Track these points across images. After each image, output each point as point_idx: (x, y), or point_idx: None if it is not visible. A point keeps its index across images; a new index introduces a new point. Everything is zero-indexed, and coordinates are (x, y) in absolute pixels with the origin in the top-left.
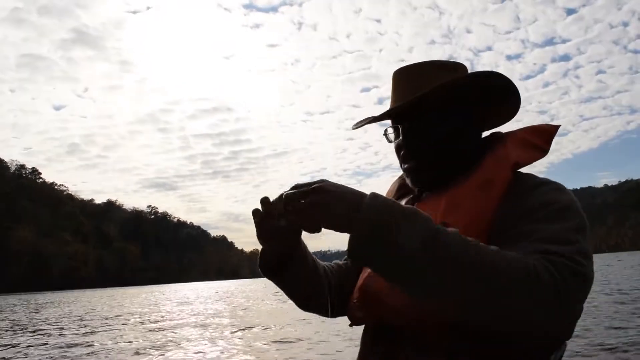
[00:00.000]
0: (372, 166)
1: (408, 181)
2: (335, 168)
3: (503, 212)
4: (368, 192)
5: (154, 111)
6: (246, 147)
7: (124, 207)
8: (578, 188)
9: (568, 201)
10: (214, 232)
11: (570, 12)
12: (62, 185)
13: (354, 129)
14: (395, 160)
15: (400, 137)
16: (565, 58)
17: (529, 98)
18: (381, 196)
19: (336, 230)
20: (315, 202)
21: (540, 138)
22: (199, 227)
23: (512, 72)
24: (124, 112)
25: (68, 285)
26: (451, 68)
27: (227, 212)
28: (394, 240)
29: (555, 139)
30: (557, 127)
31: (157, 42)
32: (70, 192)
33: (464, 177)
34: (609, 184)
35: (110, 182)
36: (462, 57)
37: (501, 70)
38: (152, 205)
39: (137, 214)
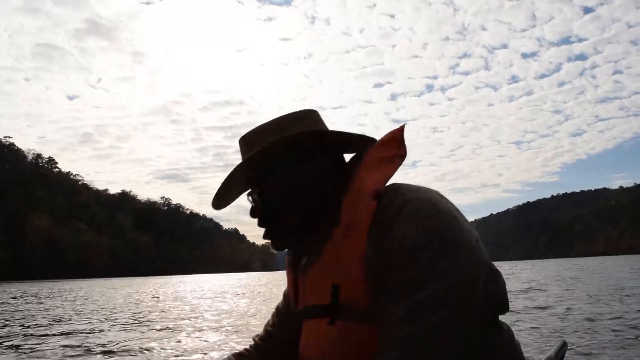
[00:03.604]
0: None
1: (271, 241)
2: None
3: (372, 257)
4: None
5: (166, 103)
6: None
7: (138, 197)
8: (592, 189)
9: (427, 230)
10: (226, 225)
11: (587, 10)
12: (78, 175)
13: (217, 209)
14: (407, 156)
15: (260, 191)
16: (582, 57)
17: (544, 97)
18: None
19: None
20: None
21: (392, 147)
22: (211, 220)
23: (527, 70)
24: (136, 103)
25: (82, 273)
26: (301, 118)
27: (238, 204)
28: None
29: (570, 139)
30: (402, 128)
31: (170, 33)
32: (85, 182)
33: (330, 226)
34: (624, 186)
35: (122, 173)
36: (476, 54)
37: (515, 69)
38: (166, 197)
39: (150, 205)
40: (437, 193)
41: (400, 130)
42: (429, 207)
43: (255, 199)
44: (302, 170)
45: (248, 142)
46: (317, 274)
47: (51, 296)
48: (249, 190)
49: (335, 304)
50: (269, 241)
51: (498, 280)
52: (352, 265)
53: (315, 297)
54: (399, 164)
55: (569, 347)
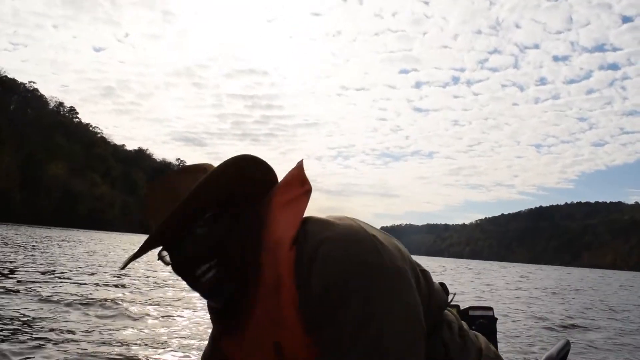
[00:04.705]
0: (401, 150)
1: (210, 306)
2: (364, 146)
3: (304, 306)
4: (393, 178)
5: (191, 65)
6: (277, 113)
7: (154, 157)
8: (607, 202)
9: (346, 272)
10: None
11: (626, 19)
12: (97, 127)
13: (121, 269)
14: (424, 147)
15: (177, 254)
16: (614, 67)
17: (570, 103)
18: None
19: None
20: None
21: (295, 187)
22: None
23: (556, 74)
24: (161, 62)
25: (92, 225)
26: (200, 169)
27: None
28: None
29: (590, 149)
30: (300, 164)
31: None
32: (103, 135)
33: (259, 284)
34: None
35: (140, 130)
36: (507, 51)
37: (544, 71)
38: (181, 159)
39: (165, 166)
40: (353, 221)
41: (300, 168)
42: (343, 242)
43: (173, 260)
44: (213, 232)
45: (159, 201)
46: (254, 334)
47: (64, 243)
48: (161, 249)
49: None
50: (206, 299)
51: (430, 280)
52: (288, 321)
53: (258, 357)
54: (308, 198)
55: (571, 346)
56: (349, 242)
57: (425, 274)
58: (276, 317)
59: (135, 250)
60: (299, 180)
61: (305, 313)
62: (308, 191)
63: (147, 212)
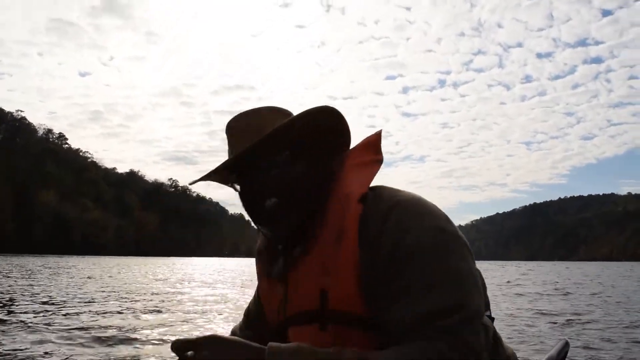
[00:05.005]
0: (392, 155)
1: (265, 233)
2: None
3: (367, 260)
4: (386, 184)
5: (177, 84)
6: None
7: (145, 178)
8: (600, 194)
9: (423, 227)
10: (231, 210)
11: (606, 13)
12: (87, 152)
13: (190, 184)
14: (415, 151)
15: (249, 183)
16: (597, 60)
17: (556, 99)
18: (278, 347)
19: None
20: None
21: (370, 152)
22: (217, 204)
23: (541, 71)
24: (147, 83)
25: (87, 250)
26: (285, 113)
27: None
28: None
29: (580, 142)
30: (379, 133)
31: (184, 14)
32: (94, 160)
33: (319, 229)
34: (633, 193)
35: (130, 152)
36: (491, 51)
37: (529, 69)
38: (173, 179)
39: (157, 186)
40: (417, 194)
41: (378, 135)
42: (418, 206)
43: (256, 177)
44: (294, 164)
45: (250, 123)
46: (302, 280)
47: (57, 271)
48: (234, 178)
49: (324, 309)
50: (271, 225)
51: (482, 279)
52: (342, 271)
53: (301, 303)
54: (379, 167)
55: (570, 347)
56: (423, 207)
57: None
58: (330, 265)
59: (210, 169)
60: (374, 148)
61: (368, 268)
62: (380, 161)
63: (229, 138)
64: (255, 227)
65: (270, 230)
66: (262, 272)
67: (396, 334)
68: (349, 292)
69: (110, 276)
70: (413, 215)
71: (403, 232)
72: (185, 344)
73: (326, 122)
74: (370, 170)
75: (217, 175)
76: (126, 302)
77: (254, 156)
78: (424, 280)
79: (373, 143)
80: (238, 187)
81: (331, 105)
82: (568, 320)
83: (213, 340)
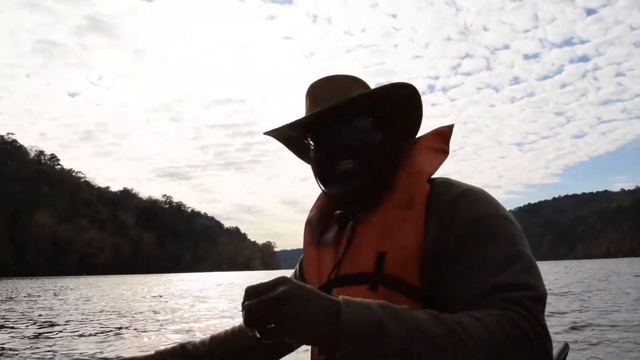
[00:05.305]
0: None
1: (334, 193)
2: None
3: (433, 234)
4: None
5: (167, 100)
6: (259, 139)
7: (139, 195)
8: (594, 191)
9: (495, 212)
10: (226, 223)
11: (590, 12)
12: (80, 172)
13: (265, 134)
14: None
15: (329, 140)
16: (584, 59)
17: (546, 99)
18: (349, 298)
19: (316, 344)
20: (292, 315)
21: (440, 141)
22: (212, 218)
23: (529, 72)
24: (137, 100)
25: (85, 271)
26: (364, 84)
27: (239, 203)
28: (384, 340)
29: (572, 141)
30: (451, 127)
31: (171, 31)
32: (87, 180)
33: (385, 197)
34: (626, 189)
35: (123, 170)
36: (478, 55)
37: (517, 70)
38: (167, 195)
39: (152, 203)
40: None
41: (449, 128)
42: (488, 195)
43: (339, 132)
44: (374, 131)
45: (335, 84)
46: (360, 242)
47: (57, 293)
48: (311, 135)
49: (379, 271)
50: (347, 182)
51: None
52: (405, 238)
53: (355, 265)
54: (445, 158)
55: (570, 349)
56: (489, 197)
57: None
58: (394, 230)
59: (288, 122)
60: (444, 139)
61: (434, 243)
62: (447, 152)
63: (312, 98)
64: (322, 188)
65: (344, 188)
66: (312, 240)
67: (463, 304)
68: (408, 259)
69: (108, 295)
70: (486, 201)
71: (477, 214)
72: (257, 289)
73: (406, 99)
74: (439, 158)
75: (292, 129)
76: (127, 320)
77: (338, 114)
78: (499, 258)
79: (445, 134)
80: (312, 143)
81: (409, 83)
82: (568, 321)
83: (285, 282)
